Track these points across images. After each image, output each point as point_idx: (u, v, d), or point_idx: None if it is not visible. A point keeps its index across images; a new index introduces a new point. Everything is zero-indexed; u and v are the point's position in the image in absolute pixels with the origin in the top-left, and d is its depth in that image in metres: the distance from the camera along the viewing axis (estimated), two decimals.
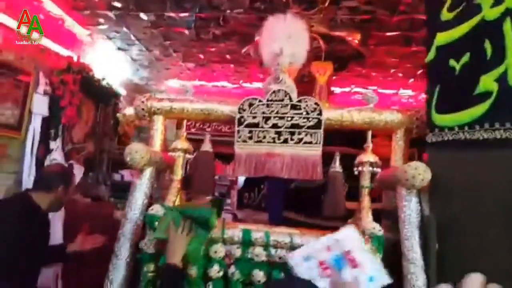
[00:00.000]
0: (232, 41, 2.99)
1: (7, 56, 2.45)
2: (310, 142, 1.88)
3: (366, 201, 1.84)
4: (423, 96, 4.20)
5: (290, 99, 1.91)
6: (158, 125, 2.05)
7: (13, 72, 2.54)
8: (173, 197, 1.91)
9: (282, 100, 1.92)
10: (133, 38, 3.06)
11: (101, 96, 3.54)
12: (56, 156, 2.80)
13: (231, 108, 1.98)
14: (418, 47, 2.91)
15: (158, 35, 2.98)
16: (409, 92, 4.11)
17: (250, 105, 1.94)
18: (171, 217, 1.54)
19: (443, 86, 1.66)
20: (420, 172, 1.58)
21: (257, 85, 4.22)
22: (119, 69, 3.91)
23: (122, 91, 4.01)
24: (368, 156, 1.89)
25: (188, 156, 2.05)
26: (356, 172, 1.94)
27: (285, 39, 1.93)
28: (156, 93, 4.79)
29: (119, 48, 3.33)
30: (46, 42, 2.85)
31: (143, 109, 2.02)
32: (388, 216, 2.04)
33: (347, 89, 4.17)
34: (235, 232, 1.64)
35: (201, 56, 3.37)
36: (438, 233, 1.57)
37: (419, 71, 3.38)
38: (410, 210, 1.67)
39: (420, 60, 3.15)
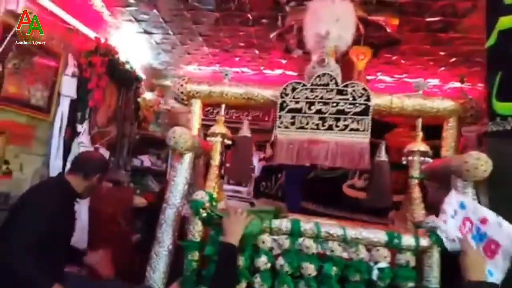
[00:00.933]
0: (261, 25, 2.90)
1: (38, 37, 2.39)
2: (357, 129, 1.81)
3: (416, 192, 1.77)
4: (451, 86, 4.09)
5: (336, 83, 1.84)
6: (196, 109, 1.99)
7: (44, 52, 2.47)
8: (213, 183, 1.85)
9: (327, 84, 1.84)
10: (161, 20, 2.97)
11: (124, 79, 3.47)
12: (83, 139, 2.76)
13: (272, 92, 1.91)
14: (457, 33, 2.79)
15: (187, 19, 2.88)
16: (435, 81, 3.99)
17: (293, 89, 1.87)
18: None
19: (505, 73, 1.57)
20: (482, 163, 1.50)
21: (278, 71, 4.11)
22: (141, 53, 3.82)
23: (142, 75, 3.94)
24: (418, 145, 1.81)
25: (226, 141, 1.98)
26: (404, 162, 1.87)
27: (333, 21, 1.84)
28: (174, 79, 4.71)
29: (144, 31, 3.24)
30: (74, 22, 2.78)
31: (182, 92, 1.96)
32: (433, 208, 1.96)
33: (371, 77, 4.05)
34: (283, 222, 1.58)
35: (228, 40, 3.27)
36: None
37: (452, 59, 3.25)
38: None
39: (457, 47, 3.04)
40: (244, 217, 1.50)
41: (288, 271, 1.53)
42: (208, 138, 1.98)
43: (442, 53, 3.18)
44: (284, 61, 3.80)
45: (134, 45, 3.58)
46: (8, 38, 2.11)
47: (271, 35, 2.94)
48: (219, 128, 1.96)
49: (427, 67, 3.58)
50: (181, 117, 4.72)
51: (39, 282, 1.64)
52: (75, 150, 2.68)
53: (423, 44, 3.04)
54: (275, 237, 1.58)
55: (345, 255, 1.54)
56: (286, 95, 1.86)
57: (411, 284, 1.48)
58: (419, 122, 1.84)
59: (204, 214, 1.60)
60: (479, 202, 1.59)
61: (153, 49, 3.77)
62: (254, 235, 1.52)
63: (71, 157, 2.69)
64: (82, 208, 2.69)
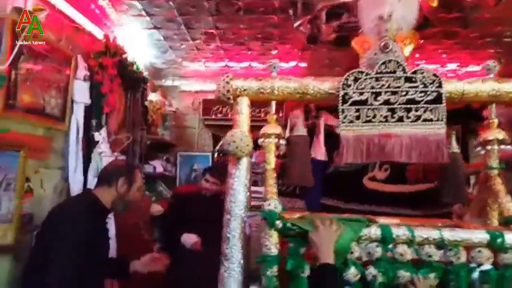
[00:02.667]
0: (285, 13, 2.69)
1: (48, 37, 2.11)
2: (431, 120, 1.64)
3: (498, 184, 1.62)
4: (469, 69, 3.97)
5: (404, 70, 1.66)
6: (244, 108, 1.77)
7: (55, 55, 2.19)
8: (273, 189, 1.65)
9: (394, 72, 1.67)
10: (176, 14, 2.72)
11: (132, 81, 3.19)
12: (104, 148, 2.50)
13: (330, 84, 1.72)
14: (489, 14, 2.66)
15: (204, 10, 2.65)
16: (453, 65, 3.89)
17: (356, 79, 1.69)
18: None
19: None
20: None
21: (292, 63, 3.91)
22: (146, 51, 3.55)
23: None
24: (495, 133, 1.66)
25: (281, 141, 1.78)
26: (482, 152, 1.72)
27: (395, 1, 1.67)
28: (176, 78, 4.46)
29: (154, 26, 2.98)
30: (80, 20, 2.50)
31: (228, 90, 1.74)
32: None
33: None
34: (372, 229, 1.40)
35: (245, 31, 3.04)
36: None
37: (481, 40, 3.13)
38: None
39: (489, 28, 2.90)
40: (334, 230, 1.32)
41: (382, 281, 1.37)
42: (259, 140, 1.78)
43: (472, 35, 3.05)
44: (300, 52, 3.59)
45: (139, 42, 3.31)
46: (20, 40, 1.84)
47: (295, 24, 2.75)
48: (272, 128, 1.76)
49: (449, 51, 3.46)
50: (187, 118, 4.50)
51: None
52: (97, 161, 2.42)
53: (453, 27, 2.91)
54: (363, 245, 1.40)
55: (442, 259, 1.38)
56: (348, 86, 1.68)
57: None
58: (493, 108, 1.70)
59: (280, 225, 1.41)
60: None
61: (158, 47, 3.51)
62: (346, 250, 1.34)
63: (92, 169, 2.43)
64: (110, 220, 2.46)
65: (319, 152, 2.98)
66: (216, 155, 4.19)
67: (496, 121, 1.68)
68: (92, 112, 2.54)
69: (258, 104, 1.93)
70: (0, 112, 1.83)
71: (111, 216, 2.43)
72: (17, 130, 1.97)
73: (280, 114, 4.21)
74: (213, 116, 4.28)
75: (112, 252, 2.39)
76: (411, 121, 1.65)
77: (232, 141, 1.49)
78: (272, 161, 1.75)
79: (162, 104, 4.08)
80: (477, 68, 3.78)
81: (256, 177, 5.07)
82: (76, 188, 2.33)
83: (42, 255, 1.61)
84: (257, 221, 2.62)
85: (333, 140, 2.39)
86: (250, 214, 1.68)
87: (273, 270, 1.40)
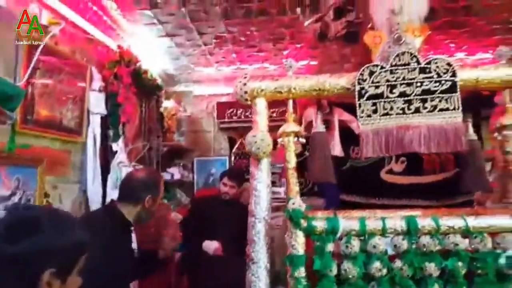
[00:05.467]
0: (295, 13, 2.72)
1: (63, 49, 2.17)
2: (447, 109, 1.64)
3: None
4: (477, 57, 3.92)
5: (418, 61, 1.67)
6: (262, 109, 1.79)
7: (70, 67, 2.25)
8: (296, 188, 1.67)
9: (408, 64, 1.67)
10: (188, 20, 2.77)
11: (146, 89, 3.26)
12: (123, 159, 2.54)
13: (346, 80, 1.73)
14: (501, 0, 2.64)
15: (217, 14, 2.69)
16: (461, 55, 3.86)
17: (371, 73, 1.69)
18: None
19: None
20: None
21: (303, 62, 3.92)
22: (159, 58, 3.61)
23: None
24: (510, 119, 1.66)
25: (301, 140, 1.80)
26: (499, 137, 1.71)
27: None
28: (189, 83, 4.50)
29: (166, 34, 3.04)
30: (93, 31, 2.56)
31: (246, 92, 1.76)
32: None
33: None
34: (397, 221, 1.41)
35: (256, 33, 3.08)
36: None
37: (489, 27, 3.10)
38: None
39: (496, 15, 2.88)
40: None
41: (409, 274, 1.37)
42: (279, 140, 1.80)
43: (479, 23, 3.03)
44: (311, 51, 3.60)
45: (153, 50, 3.37)
46: (37, 54, 1.89)
47: (306, 23, 2.77)
48: (291, 126, 1.78)
49: (457, 40, 3.44)
50: (202, 122, 4.55)
51: None
52: (116, 171, 2.47)
53: (461, 15, 2.90)
54: (389, 238, 1.41)
55: (468, 248, 1.38)
56: (364, 80, 1.69)
57: None
58: (507, 93, 1.69)
59: (305, 224, 1.42)
60: None
61: (171, 54, 3.56)
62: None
63: (111, 180, 2.48)
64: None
65: (336, 148, 2.99)
66: (233, 158, 4.22)
67: (511, 106, 1.67)
68: (109, 123, 2.59)
69: (270, 104, 1.95)
70: (18, 127, 1.85)
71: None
72: (35, 145, 1.99)
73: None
74: (228, 119, 4.31)
75: None
76: (428, 112, 1.65)
77: (253, 142, 1.52)
78: (292, 160, 1.76)
79: (177, 110, 4.13)
80: (485, 55, 3.75)
81: (273, 177, 5.08)
82: (95, 200, 2.37)
83: None
84: (278, 222, 2.64)
85: (347, 135, 2.40)
86: (272, 215, 1.69)
87: (301, 271, 1.40)
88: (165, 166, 3.80)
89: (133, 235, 2.54)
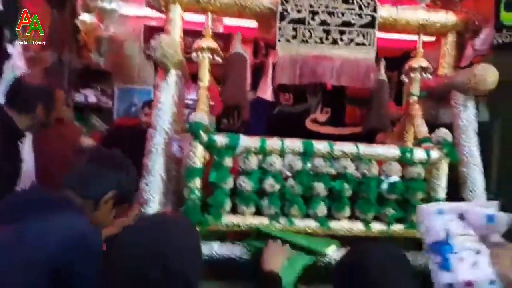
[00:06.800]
0: None
1: None
2: (363, 44, 1.68)
3: (416, 109, 1.73)
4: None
5: None
6: (176, 18, 1.65)
7: None
8: (205, 108, 1.61)
9: None
10: None
11: None
12: (18, 62, 2.22)
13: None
14: None
15: None
16: None
17: None
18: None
19: None
20: (490, 75, 1.49)
21: None
22: None
23: None
24: (419, 61, 1.75)
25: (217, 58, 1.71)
26: (406, 79, 1.81)
27: None
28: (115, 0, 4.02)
29: None
30: None
31: None
32: None
33: None
34: (295, 142, 1.44)
35: None
36: (502, 137, 1.55)
37: None
38: (467, 115, 1.62)
39: None
40: (284, 248, 1.33)
41: (299, 192, 1.44)
42: (193, 55, 1.69)
43: None
44: None
45: None
46: None
47: None
48: (207, 42, 1.68)
49: None
50: (126, 45, 4.15)
51: None
52: (9, 75, 2.16)
53: None
54: (286, 158, 1.45)
55: (356, 173, 1.47)
56: (287, 2, 1.62)
57: (420, 195, 1.48)
58: (421, 38, 1.77)
59: (206, 139, 1.39)
60: (479, 116, 1.62)
61: None
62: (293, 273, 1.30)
63: (2, 84, 2.17)
64: (24, 149, 2.26)
65: (266, 91, 2.97)
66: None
67: (422, 50, 1.76)
68: (5, 21, 2.21)
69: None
70: None
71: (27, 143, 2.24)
72: None
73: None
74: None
75: (31, 179, 2.25)
76: (344, 44, 1.67)
77: (159, 46, 1.39)
78: (205, 78, 1.69)
79: (97, 26, 3.69)
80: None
81: None
82: None
83: None
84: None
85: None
86: (182, 136, 1.63)
87: (196, 182, 1.39)
88: (78, 86, 3.46)
89: (27, 150, 2.33)
